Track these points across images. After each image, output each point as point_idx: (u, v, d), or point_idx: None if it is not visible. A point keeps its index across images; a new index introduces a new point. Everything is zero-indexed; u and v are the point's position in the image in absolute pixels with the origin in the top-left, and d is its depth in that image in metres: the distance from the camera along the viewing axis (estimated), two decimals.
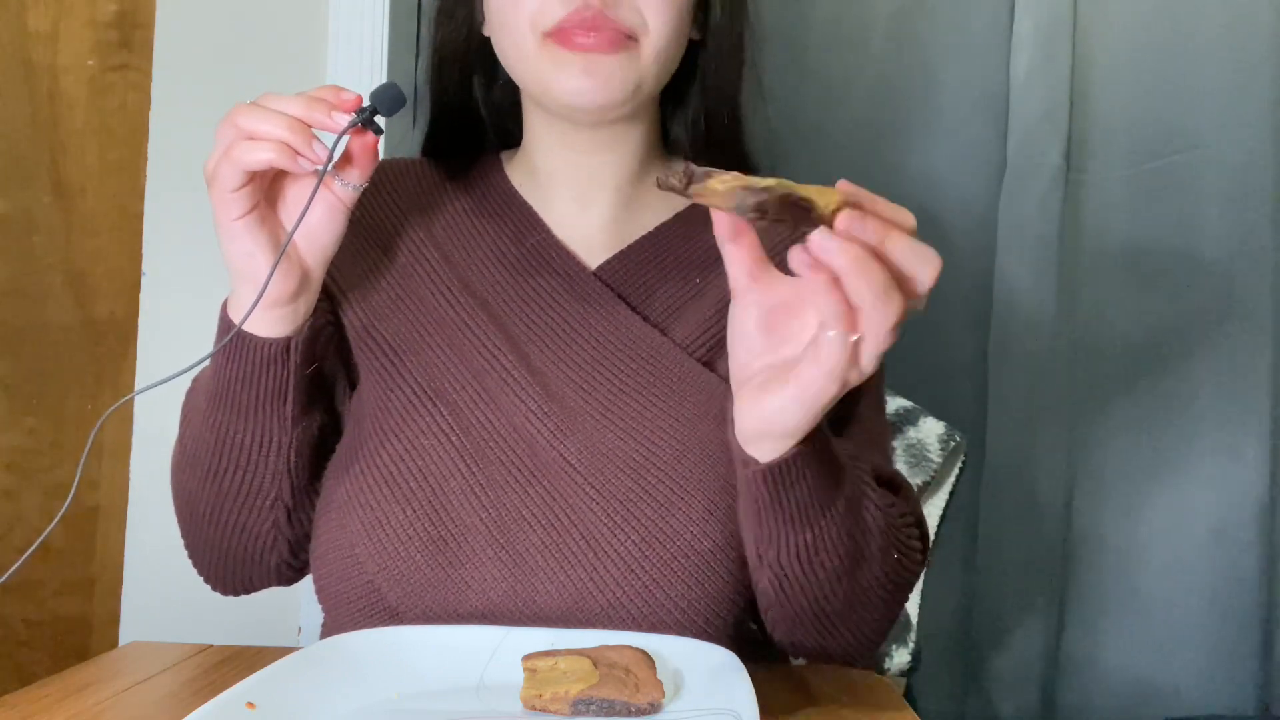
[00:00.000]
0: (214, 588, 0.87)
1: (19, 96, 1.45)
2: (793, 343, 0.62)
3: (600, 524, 0.74)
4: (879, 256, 0.56)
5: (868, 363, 0.58)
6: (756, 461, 0.65)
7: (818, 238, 0.55)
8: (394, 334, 0.82)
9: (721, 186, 0.56)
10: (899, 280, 0.56)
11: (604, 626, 0.72)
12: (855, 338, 0.57)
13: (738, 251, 0.61)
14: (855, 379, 0.59)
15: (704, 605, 0.74)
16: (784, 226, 0.57)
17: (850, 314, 0.56)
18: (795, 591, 0.71)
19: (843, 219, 0.55)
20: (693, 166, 0.57)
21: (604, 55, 0.76)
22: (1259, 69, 1.50)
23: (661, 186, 0.58)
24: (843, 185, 0.57)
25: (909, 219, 0.58)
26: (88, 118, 1.46)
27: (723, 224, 0.61)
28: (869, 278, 0.55)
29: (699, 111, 0.88)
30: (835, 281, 0.56)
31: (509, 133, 0.91)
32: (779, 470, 0.65)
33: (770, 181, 0.56)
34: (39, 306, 1.45)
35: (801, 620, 0.74)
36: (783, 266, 0.60)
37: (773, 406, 0.62)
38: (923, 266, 0.57)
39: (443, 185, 0.89)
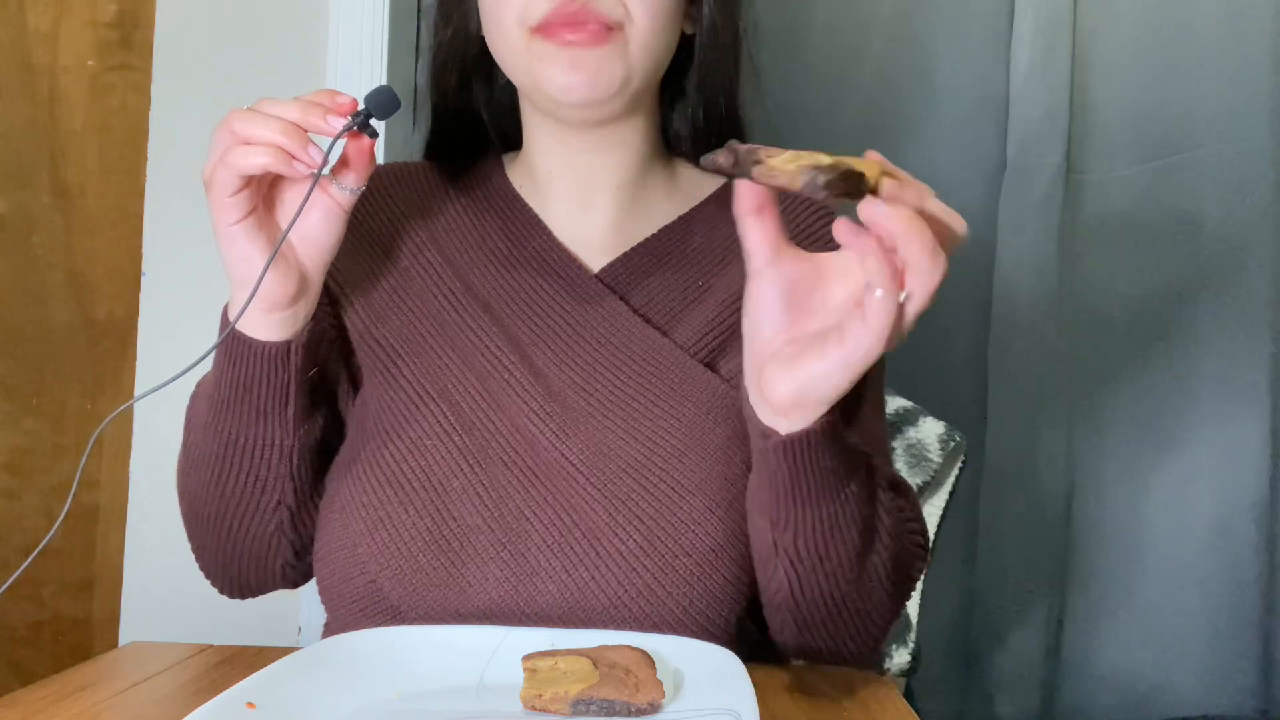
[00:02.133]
0: (220, 590, 0.87)
1: (19, 96, 1.45)
2: (818, 316, 0.62)
3: (602, 523, 0.74)
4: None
5: (910, 322, 0.60)
6: (777, 433, 0.64)
7: (870, 206, 0.57)
8: (396, 336, 0.82)
9: (792, 165, 0.56)
10: (939, 239, 0.59)
11: (606, 625, 0.72)
12: (904, 296, 0.58)
13: (761, 227, 0.61)
14: (895, 343, 0.60)
15: (705, 604, 0.74)
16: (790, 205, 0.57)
17: (898, 275, 0.58)
18: (810, 580, 0.71)
19: (889, 185, 0.57)
20: (737, 145, 0.57)
21: (590, 49, 0.76)
22: (1259, 69, 1.51)
23: (708, 168, 0.57)
24: (874, 155, 0.58)
25: (928, 187, 0.61)
26: (88, 118, 1.46)
27: (748, 198, 0.60)
28: (921, 237, 0.57)
29: (697, 105, 0.88)
30: (884, 245, 0.57)
31: (510, 135, 0.91)
32: (800, 442, 0.64)
33: (829, 158, 0.56)
34: (39, 306, 1.45)
35: (812, 620, 0.74)
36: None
37: (815, 372, 0.61)
38: (955, 223, 0.60)
39: (444, 188, 0.89)
